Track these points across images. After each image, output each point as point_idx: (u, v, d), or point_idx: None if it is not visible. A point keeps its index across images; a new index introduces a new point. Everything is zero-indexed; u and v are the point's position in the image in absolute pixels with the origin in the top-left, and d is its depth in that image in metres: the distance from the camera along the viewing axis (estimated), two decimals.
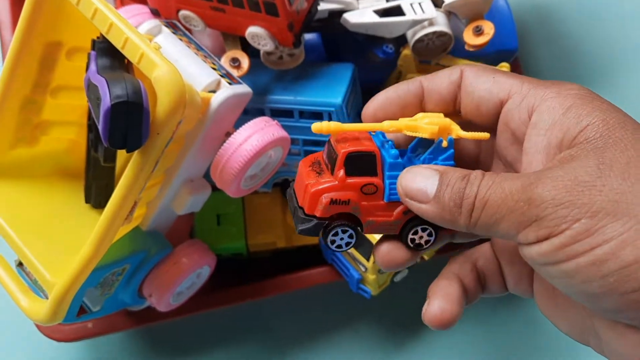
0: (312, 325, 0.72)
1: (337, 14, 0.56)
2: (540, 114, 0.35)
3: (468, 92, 0.38)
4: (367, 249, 0.58)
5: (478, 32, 0.54)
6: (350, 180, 0.36)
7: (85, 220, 0.54)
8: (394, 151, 0.37)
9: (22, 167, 0.54)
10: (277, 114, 0.58)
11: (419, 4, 0.55)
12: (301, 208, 0.37)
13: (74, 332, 0.62)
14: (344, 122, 0.55)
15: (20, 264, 0.54)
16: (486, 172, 0.34)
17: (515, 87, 0.37)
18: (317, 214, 0.37)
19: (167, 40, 0.52)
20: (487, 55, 0.62)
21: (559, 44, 0.82)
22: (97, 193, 0.54)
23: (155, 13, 0.55)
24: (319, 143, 0.60)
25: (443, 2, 0.55)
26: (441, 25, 0.55)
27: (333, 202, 0.36)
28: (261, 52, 0.56)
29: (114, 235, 0.47)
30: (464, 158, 0.42)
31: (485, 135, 0.38)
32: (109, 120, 0.39)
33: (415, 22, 0.54)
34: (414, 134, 0.38)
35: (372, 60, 0.60)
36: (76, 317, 0.54)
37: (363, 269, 0.59)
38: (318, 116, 0.57)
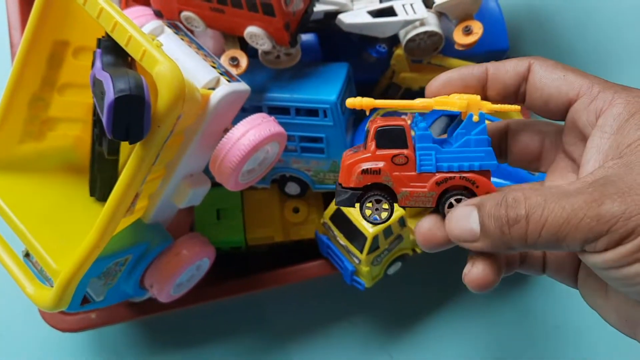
0: (308, 317, 0.74)
1: (332, 15, 0.58)
2: (606, 118, 0.35)
3: (537, 87, 0.39)
4: (361, 242, 0.60)
5: (467, 31, 0.56)
6: (381, 152, 0.38)
7: (90, 213, 0.56)
8: (423, 124, 0.38)
9: (29, 162, 0.56)
10: (275, 111, 0.60)
11: (411, 5, 0.57)
12: (340, 184, 0.39)
13: (77, 323, 0.64)
14: (338, 119, 0.57)
15: (27, 255, 0.56)
16: (524, 190, 0.34)
17: (584, 87, 0.37)
18: (352, 185, 0.38)
19: (169, 39, 0.55)
20: (478, 55, 0.64)
21: (550, 44, 0.84)
22: (101, 186, 0.56)
23: (158, 14, 0.58)
24: (315, 139, 0.62)
25: (434, 3, 0.57)
26: (432, 25, 0.58)
27: (364, 171, 0.38)
28: (259, 51, 0.58)
29: (116, 225, 0.49)
30: (527, 154, 0.41)
31: (516, 107, 0.39)
32: (113, 112, 0.41)
33: (407, 23, 0.56)
34: (444, 108, 0.38)
35: (366, 60, 0.63)
36: (80, 306, 0.56)
37: (357, 261, 0.61)
38: (314, 113, 0.59)
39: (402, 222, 0.61)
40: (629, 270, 0.32)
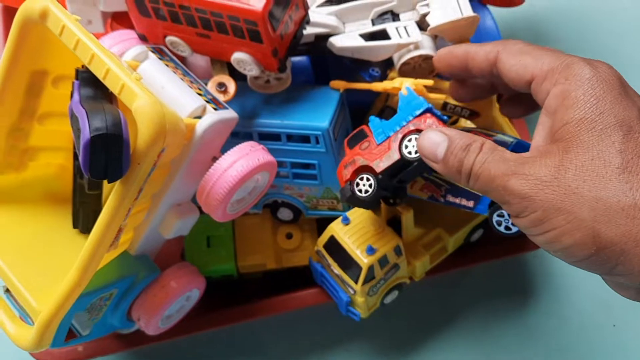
0: (304, 344, 0.72)
1: (323, 38, 0.56)
2: (549, 98, 0.41)
3: (502, 73, 0.45)
4: (356, 272, 0.58)
5: None
6: (353, 150, 0.53)
7: (73, 246, 0.54)
8: (372, 117, 0.53)
9: (10, 193, 0.54)
10: (265, 137, 0.58)
11: (404, 27, 0.55)
12: (341, 189, 0.54)
13: (64, 356, 0.62)
14: (330, 145, 0.55)
15: (7, 290, 0.54)
16: (484, 145, 0.41)
17: (536, 69, 0.42)
18: (345, 181, 0.53)
19: (153, 66, 0.53)
20: None
21: None
22: (84, 218, 0.54)
23: (143, 38, 0.56)
24: (307, 166, 0.60)
25: (429, 25, 0.55)
26: (427, 48, 0.56)
27: (345, 166, 0.53)
28: (248, 76, 0.56)
29: (99, 262, 0.47)
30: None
31: (429, 82, 0.54)
32: (89, 152, 0.39)
33: (401, 46, 0.54)
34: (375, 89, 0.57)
35: None
36: (64, 342, 0.54)
37: (352, 292, 0.59)
38: (305, 139, 0.57)
39: (398, 250, 0.59)
40: (535, 239, 0.39)
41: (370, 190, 0.51)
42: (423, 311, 0.74)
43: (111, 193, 0.43)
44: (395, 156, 0.50)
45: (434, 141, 0.43)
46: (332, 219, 0.61)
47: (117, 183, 0.43)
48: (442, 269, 0.65)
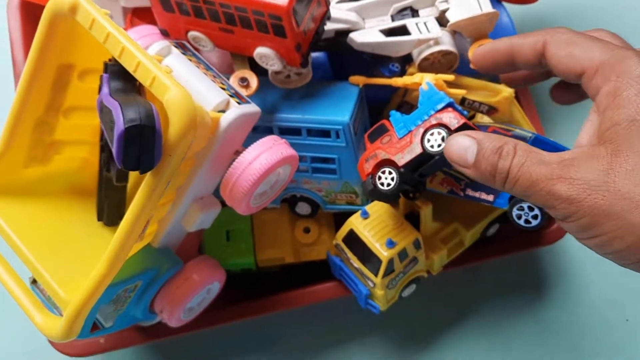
0: (321, 338, 0.73)
1: (343, 34, 0.57)
2: (601, 95, 0.40)
3: (552, 64, 0.45)
4: (376, 265, 0.58)
5: None
6: (374, 144, 0.55)
7: (98, 238, 0.55)
8: (392, 111, 0.54)
9: (35, 186, 0.55)
10: (286, 131, 0.58)
11: (424, 23, 0.55)
12: (363, 182, 0.55)
13: (86, 348, 0.63)
14: (350, 140, 0.56)
15: (34, 281, 0.55)
16: (517, 147, 0.40)
17: (587, 63, 0.42)
18: (367, 174, 0.55)
19: (176, 61, 0.53)
20: None
21: None
22: (109, 211, 0.55)
23: (165, 34, 0.57)
24: (327, 160, 0.60)
25: (448, 21, 0.56)
26: (446, 44, 0.56)
27: (367, 159, 0.55)
28: (269, 71, 0.57)
29: (127, 253, 0.47)
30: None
31: (450, 77, 0.54)
32: (123, 143, 0.40)
33: (421, 42, 0.55)
34: (395, 84, 0.58)
35: None
36: (89, 333, 0.55)
37: (371, 285, 0.60)
38: (326, 134, 0.58)
39: (417, 244, 0.59)
40: (583, 242, 0.39)
41: (393, 183, 0.52)
42: (437, 305, 0.74)
43: (142, 184, 0.44)
44: (418, 150, 0.51)
45: (462, 145, 0.43)
46: (349, 213, 0.62)
47: (148, 174, 0.43)
48: (459, 263, 0.65)
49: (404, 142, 0.52)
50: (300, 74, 0.57)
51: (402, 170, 0.52)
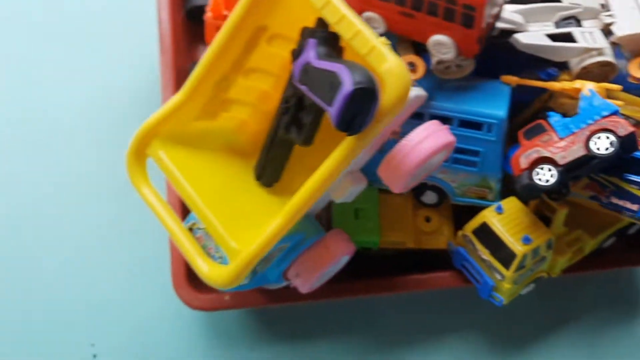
0: (420, 326, 0.74)
1: (507, 33, 0.59)
2: None
3: None
4: (507, 259, 0.60)
5: None
6: (531, 141, 0.57)
7: (257, 197, 0.58)
8: (552, 113, 0.58)
9: (200, 139, 0.57)
10: (436, 119, 0.60)
11: (590, 33, 0.58)
12: (514, 177, 0.58)
13: (210, 302, 0.66)
14: (500, 135, 0.58)
15: (189, 230, 0.57)
16: None
17: None
18: (521, 169, 0.57)
19: None
20: None
21: None
22: (269, 173, 0.57)
23: None
24: (466, 151, 0.62)
25: (612, 34, 0.58)
26: (609, 56, 0.58)
27: (524, 155, 0.57)
28: (432, 60, 0.59)
29: (303, 212, 0.50)
30: None
31: (617, 87, 0.56)
32: (346, 103, 0.42)
33: (587, 50, 0.57)
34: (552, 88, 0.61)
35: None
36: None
37: (499, 278, 0.62)
38: (476, 127, 0.60)
39: (549, 244, 0.61)
40: None
41: (552, 180, 0.54)
42: (535, 308, 0.76)
43: (339, 147, 0.46)
44: (581, 151, 0.53)
45: None
46: (471, 207, 0.64)
47: (350, 138, 0.46)
48: (574, 270, 0.67)
49: (565, 143, 0.54)
50: (460, 66, 0.60)
51: (562, 168, 0.54)
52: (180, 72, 0.73)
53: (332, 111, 0.43)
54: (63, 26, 0.87)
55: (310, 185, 0.48)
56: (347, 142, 0.46)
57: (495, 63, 0.66)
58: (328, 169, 0.47)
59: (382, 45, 0.44)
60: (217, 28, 0.72)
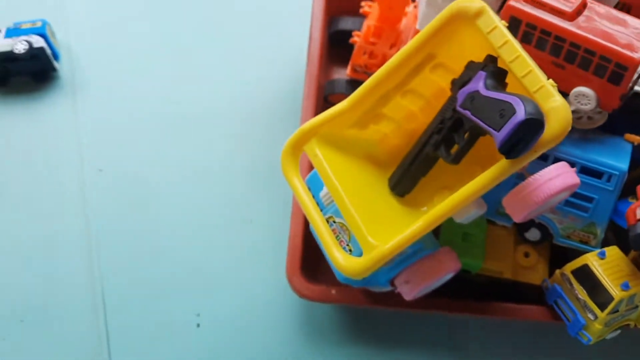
0: (504, 354, 0.78)
1: (638, 96, 0.65)
2: None
3: None
4: (604, 302, 0.64)
5: None
6: None
7: (389, 203, 0.63)
8: None
9: (348, 145, 0.64)
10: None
11: None
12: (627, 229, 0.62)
13: (318, 293, 0.71)
14: (617, 186, 0.63)
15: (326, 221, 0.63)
16: None
17: None
18: (637, 219, 0.61)
19: None
20: None
21: None
22: (405, 184, 0.63)
23: None
24: (581, 196, 0.67)
25: None
26: None
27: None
28: None
29: (441, 222, 0.56)
30: None
31: None
32: (516, 129, 0.48)
33: None
34: None
35: None
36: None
37: (592, 317, 0.66)
38: (597, 175, 0.65)
39: None
40: None
41: None
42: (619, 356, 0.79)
43: (493, 167, 0.52)
44: None
45: None
46: (572, 250, 0.69)
47: (506, 161, 0.51)
48: None
49: None
50: (591, 119, 0.65)
51: None
52: (319, 86, 0.81)
53: (499, 135, 0.49)
54: (231, 28, 1.02)
55: (456, 197, 0.54)
56: (502, 164, 0.52)
57: (619, 121, 0.71)
58: (479, 185, 0.53)
59: (550, 86, 0.50)
60: (364, 51, 0.81)
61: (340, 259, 0.58)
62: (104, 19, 1.02)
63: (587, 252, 0.68)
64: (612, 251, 0.67)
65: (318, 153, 0.61)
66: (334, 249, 0.59)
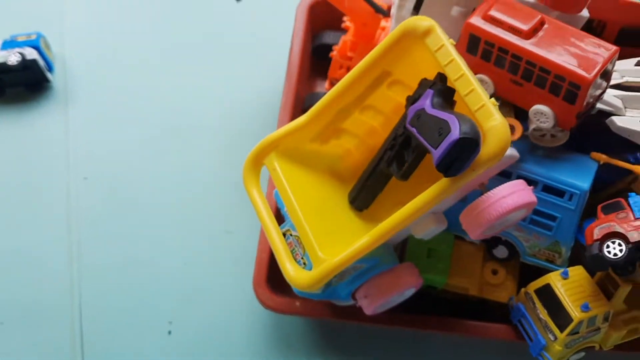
0: None
1: (604, 114, 0.64)
2: None
3: None
4: (564, 322, 0.64)
5: None
6: (607, 216, 0.61)
7: (346, 218, 0.64)
8: (633, 194, 0.62)
9: (309, 159, 0.65)
10: (522, 179, 0.66)
11: None
12: (583, 248, 0.62)
13: (282, 305, 0.72)
14: (579, 206, 0.63)
15: (283, 234, 0.64)
16: None
17: None
18: (593, 240, 0.61)
19: None
20: None
21: None
22: (363, 199, 0.64)
23: None
24: (544, 215, 0.67)
25: None
26: None
27: (598, 227, 0.61)
28: (530, 125, 0.65)
29: (388, 238, 0.56)
30: None
31: None
32: (450, 148, 0.48)
33: None
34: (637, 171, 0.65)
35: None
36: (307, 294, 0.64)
37: (552, 338, 0.65)
38: (559, 194, 0.65)
39: (607, 317, 0.65)
40: None
41: (620, 255, 0.58)
42: None
43: (434, 186, 0.52)
44: None
45: None
46: (539, 268, 0.68)
47: (445, 180, 0.52)
48: (626, 348, 0.70)
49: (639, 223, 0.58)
50: (554, 136, 0.65)
51: (632, 246, 0.58)
52: (297, 98, 0.82)
53: (436, 153, 0.49)
54: (211, 45, 1.04)
55: (401, 214, 0.54)
56: (442, 182, 0.52)
57: (587, 139, 0.71)
58: (420, 203, 0.53)
59: (491, 105, 0.50)
60: (340, 65, 0.82)
61: (290, 271, 0.59)
62: (99, 33, 1.05)
63: (553, 271, 0.68)
64: (576, 271, 0.67)
65: (277, 166, 0.62)
66: (285, 260, 0.60)
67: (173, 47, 1.03)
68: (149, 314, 0.81)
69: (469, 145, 0.48)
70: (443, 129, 0.49)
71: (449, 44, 0.53)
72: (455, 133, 0.48)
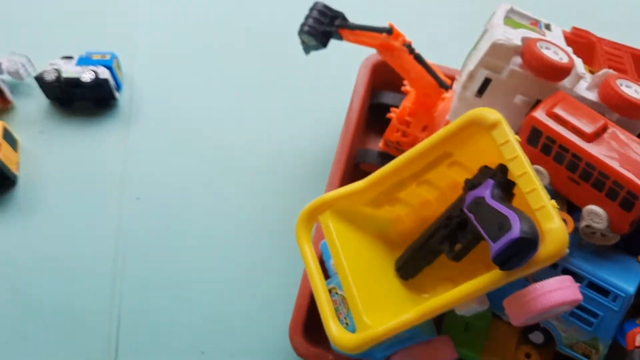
0: None
1: None
2: None
3: None
4: None
5: None
6: None
7: (392, 284, 0.66)
8: None
9: (361, 221, 0.67)
10: (567, 273, 0.66)
11: None
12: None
13: (315, 356, 0.73)
14: (623, 308, 0.63)
15: (329, 291, 0.66)
16: None
17: None
18: (635, 346, 0.62)
19: None
20: None
21: None
22: (410, 268, 0.65)
23: None
24: (587, 310, 0.67)
25: None
26: None
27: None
28: (581, 222, 0.65)
29: (435, 315, 0.57)
30: None
31: None
32: (509, 245, 0.50)
33: None
34: None
35: None
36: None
37: None
38: (604, 293, 0.65)
39: None
40: None
41: None
42: None
43: (489, 274, 0.54)
44: None
45: None
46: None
47: (498, 271, 0.53)
48: None
49: None
50: (605, 236, 0.65)
51: None
52: (351, 152, 0.84)
53: (494, 247, 0.51)
54: (276, 89, 1.07)
55: (451, 296, 0.56)
56: (496, 273, 0.53)
57: (636, 242, 0.71)
58: (472, 289, 0.54)
59: (551, 207, 0.52)
60: (397, 129, 0.84)
61: (333, 330, 0.61)
62: (167, 57, 1.09)
63: None
64: None
65: (330, 225, 0.65)
66: (330, 319, 0.61)
67: (239, 83, 1.06)
68: (183, 340, 0.83)
69: (528, 245, 0.50)
70: (503, 224, 0.51)
71: (514, 139, 0.55)
72: (515, 231, 0.50)
